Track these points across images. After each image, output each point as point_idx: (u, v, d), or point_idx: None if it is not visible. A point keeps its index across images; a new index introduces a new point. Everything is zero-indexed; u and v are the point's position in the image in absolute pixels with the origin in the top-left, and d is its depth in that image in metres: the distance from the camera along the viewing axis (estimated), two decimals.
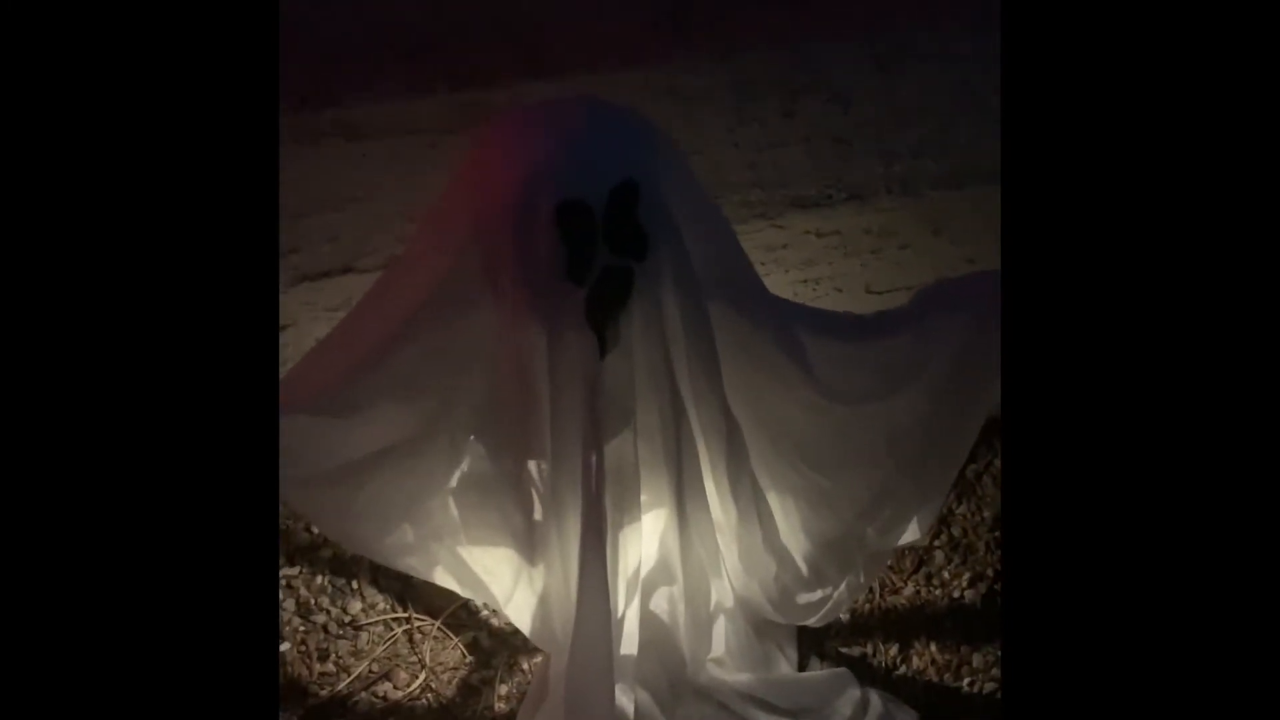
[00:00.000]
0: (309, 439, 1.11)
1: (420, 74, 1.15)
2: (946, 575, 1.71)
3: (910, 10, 1.10)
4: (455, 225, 1.00)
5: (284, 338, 1.44)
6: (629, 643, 1.41)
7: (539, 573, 1.26)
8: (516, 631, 1.72)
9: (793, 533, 1.38)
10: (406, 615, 1.74)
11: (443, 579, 1.32)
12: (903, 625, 1.67)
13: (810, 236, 1.37)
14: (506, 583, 1.32)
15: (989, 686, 1.58)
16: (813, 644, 1.65)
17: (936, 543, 1.74)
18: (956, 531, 1.75)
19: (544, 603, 1.30)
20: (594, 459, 1.11)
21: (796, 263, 1.38)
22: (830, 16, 1.07)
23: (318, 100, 1.15)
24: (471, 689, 1.66)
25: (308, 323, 1.42)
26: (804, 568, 1.40)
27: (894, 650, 1.64)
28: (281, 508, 1.79)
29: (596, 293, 0.98)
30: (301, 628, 1.73)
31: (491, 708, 1.64)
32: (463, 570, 1.31)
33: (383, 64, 1.14)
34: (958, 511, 1.76)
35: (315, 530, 1.84)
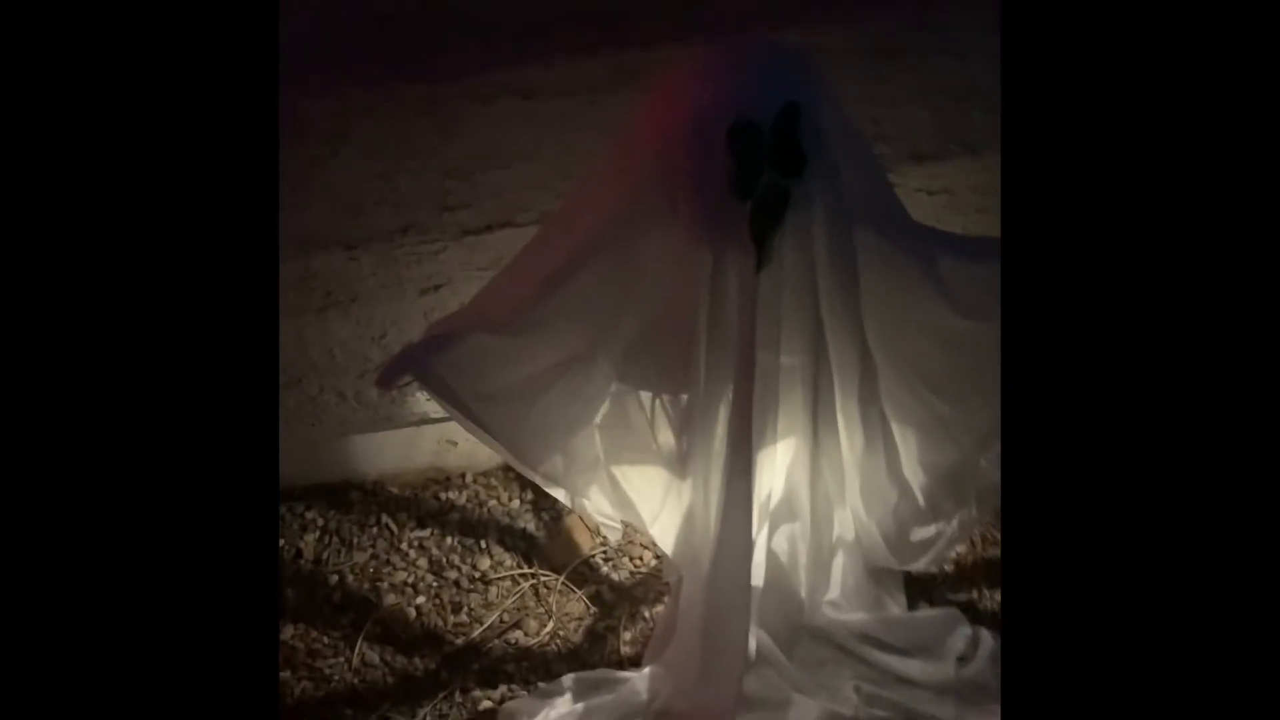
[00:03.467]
0: (489, 357, 1.24)
1: (586, 39, 1.31)
2: None
3: None
4: (638, 151, 1.14)
5: (439, 296, 1.59)
6: (755, 574, 1.51)
7: (686, 488, 1.38)
8: (636, 585, 1.83)
9: (911, 465, 1.48)
10: (532, 571, 1.85)
11: (596, 499, 1.44)
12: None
13: (921, 195, 1.50)
14: (654, 502, 1.44)
15: None
16: (920, 592, 1.74)
17: None
18: None
19: (688, 521, 1.41)
20: (745, 375, 1.23)
21: None
22: None
23: (497, 63, 1.31)
24: (597, 636, 1.77)
25: (461, 282, 1.57)
26: (921, 499, 1.50)
27: (998, 595, 1.73)
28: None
29: (759, 208, 1.11)
30: (435, 583, 1.85)
31: (618, 651, 1.74)
32: (615, 491, 1.43)
33: (553, 30, 1.30)
34: None
35: (443, 496, 1.97)
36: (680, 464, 1.37)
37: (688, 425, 1.35)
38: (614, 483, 1.43)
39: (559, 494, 1.46)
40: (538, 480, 1.43)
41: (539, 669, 1.73)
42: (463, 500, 1.96)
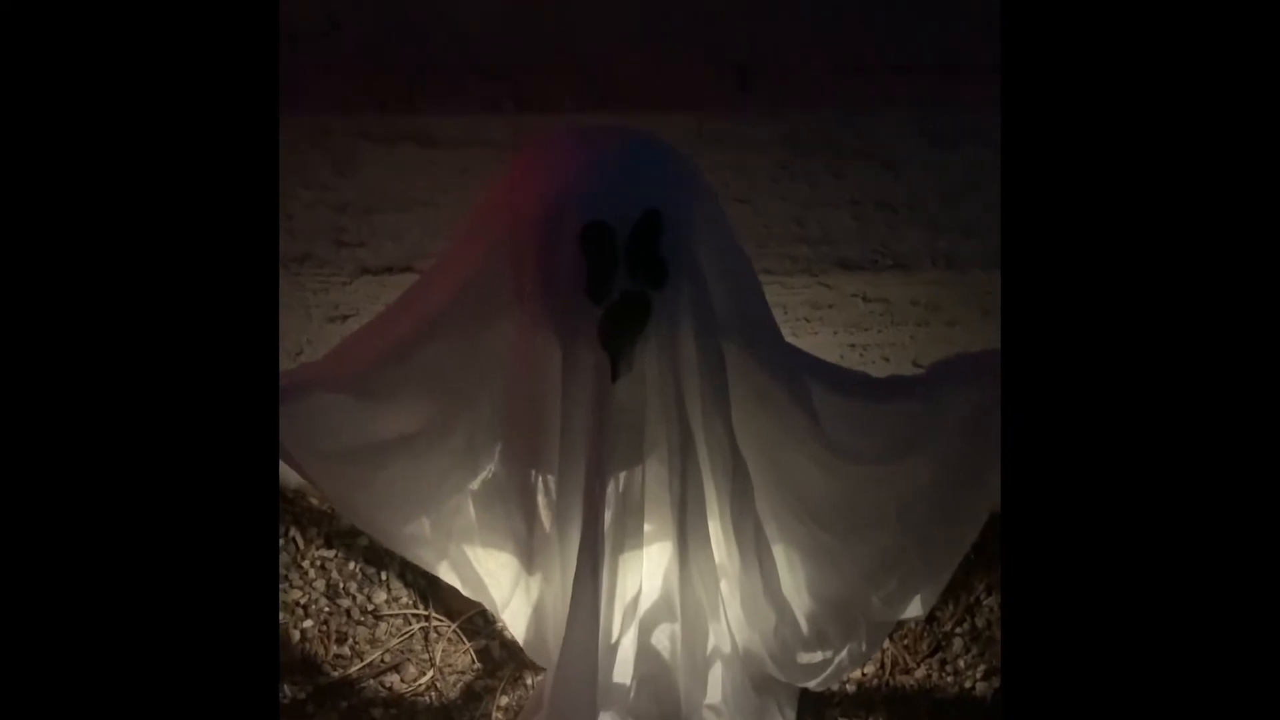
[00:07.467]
0: (333, 417, 1.18)
1: (494, 94, 1.22)
2: (962, 664, 1.67)
3: (965, 92, 1.13)
4: (488, 233, 1.05)
5: (347, 326, 1.53)
6: (622, 671, 1.42)
7: (536, 582, 1.30)
8: None
9: (796, 588, 1.38)
10: (426, 613, 1.79)
11: (447, 575, 1.37)
12: (907, 705, 1.64)
13: (857, 300, 1.38)
14: (505, 588, 1.36)
15: None
16: (814, 710, 1.63)
17: (958, 630, 1.71)
18: (980, 622, 1.71)
19: (539, 613, 1.33)
20: (599, 480, 1.14)
21: (843, 324, 1.40)
22: (887, 89, 1.10)
23: (397, 106, 1.23)
24: (474, 694, 1.70)
25: (369, 315, 1.50)
26: (804, 625, 1.40)
27: None
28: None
29: (612, 315, 1.02)
30: (327, 608, 1.80)
31: (488, 715, 1.67)
32: (466, 569, 1.36)
33: (463, 81, 1.22)
34: (985, 603, 1.73)
35: None
36: (530, 556, 1.28)
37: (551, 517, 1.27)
38: (466, 562, 1.35)
39: (418, 559, 1.38)
40: (394, 547, 1.36)
41: (405, 719, 1.66)
42: None
